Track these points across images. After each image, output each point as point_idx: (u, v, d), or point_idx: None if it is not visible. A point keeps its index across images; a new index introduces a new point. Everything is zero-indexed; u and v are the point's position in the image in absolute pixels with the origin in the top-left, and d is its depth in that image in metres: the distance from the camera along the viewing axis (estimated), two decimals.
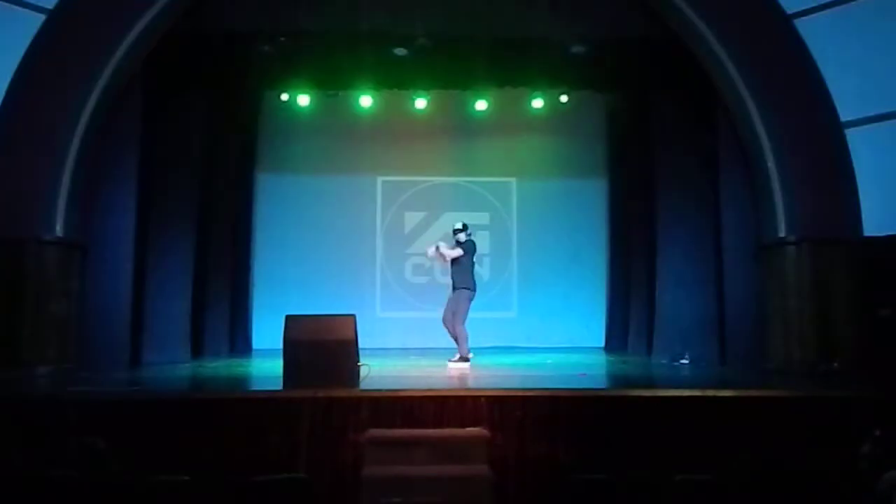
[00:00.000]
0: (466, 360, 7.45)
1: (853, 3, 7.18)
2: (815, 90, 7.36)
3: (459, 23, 7.92)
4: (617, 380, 7.31)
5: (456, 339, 7.57)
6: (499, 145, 10.79)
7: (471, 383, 6.47)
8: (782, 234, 7.41)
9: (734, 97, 7.57)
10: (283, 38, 8.06)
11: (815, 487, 3.28)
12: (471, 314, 7.73)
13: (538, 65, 8.71)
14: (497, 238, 10.85)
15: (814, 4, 7.35)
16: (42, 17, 7.13)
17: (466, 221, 8.07)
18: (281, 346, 5.80)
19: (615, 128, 10.62)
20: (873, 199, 7.24)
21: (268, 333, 8.71)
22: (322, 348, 5.69)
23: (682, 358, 8.29)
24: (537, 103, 10.11)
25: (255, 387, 6.74)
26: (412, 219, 10.75)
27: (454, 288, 7.61)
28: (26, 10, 7.08)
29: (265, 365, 7.62)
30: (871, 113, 7.22)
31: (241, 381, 7.07)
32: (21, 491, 3.53)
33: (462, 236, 7.74)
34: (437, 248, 7.72)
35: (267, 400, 5.43)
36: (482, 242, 10.75)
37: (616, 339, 10.28)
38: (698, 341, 8.36)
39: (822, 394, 5.70)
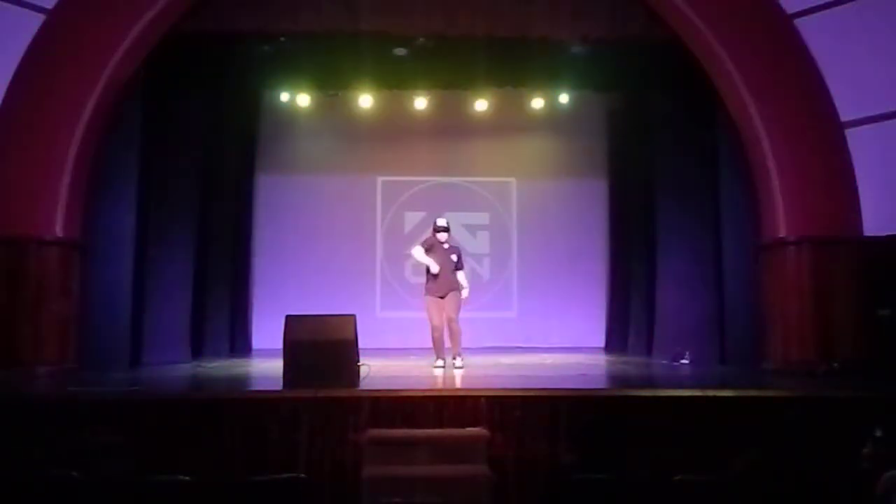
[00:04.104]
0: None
1: (853, 3, 7.17)
2: (815, 90, 7.36)
3: (459, 23, 7.93)
4: (617, 380, 7.31)
5: (455, 336, 7.50)
6: (499, 145, 10.79)
7: (471, 383, 6.47)
8: (782, 234, 7.40)
9: (734, 97, 7.56)
10: (283, 38, 8.06)
11: (815, 487, 3.28)
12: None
13: (538, 65, 8.71)
14: (497, 238, 10.85)
15: (814, 4, 7.34)
16: (42, 17, 7.12)
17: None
18: (281, 346, 5.80)
19: (615, 128, 10.62)
20: (873, 199, 7.24)
21: (268, 333, 8.71)
22: (322, 348, 5.69)
23: (683, 358, 8.29)
24: (537, 103, 10.12)
25: (255, 387, 6.73)
26: (412, 219, 10.74)
27: (453, 288, 7.55)
28: (26, 10, 7.08)
29: (265, 365, 7.62)
30: (871, 113, 7.22)
31: (241, 381, 7.06)
32: (21, 491, 3.53)
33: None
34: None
35: (267, 400, 5.42)
36: (482, 242, 10.80)
37: (616, 339, 10.27)
38: (698, 341, 8.36)
39: (822, 394, 5.69)
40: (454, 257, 7.59)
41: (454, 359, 7.50)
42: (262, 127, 10.58)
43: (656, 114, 9.24)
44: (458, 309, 7.51)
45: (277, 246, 10.49)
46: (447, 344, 7.56)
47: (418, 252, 7.58)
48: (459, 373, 7.21)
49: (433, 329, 7.49)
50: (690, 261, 8.71)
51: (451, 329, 7.49)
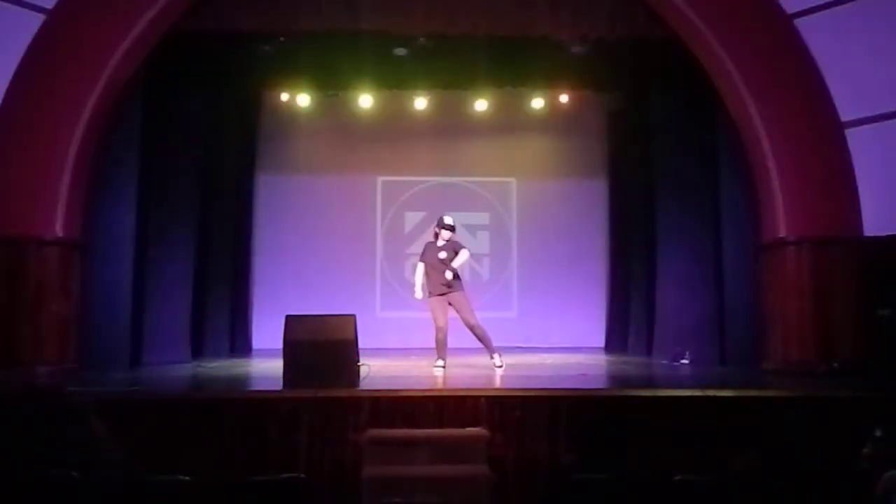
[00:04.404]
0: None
1: (853, 3, 7.17)
2: (815, 90, 7.36)
3: (459, 23, 7.92)
4: (617, 380, 7.31)
5: (483, 339, 7.44)
6: (499, 145, 10.79)
7: (471, 383, 6.47)
8: (782, 234, 7.40)
9: (734, 97, 7.56)
10: (283, 38, 8.06)
11: (815, 487, 3.28)
12: None
13: (538, 65, 8.71)
14: (497, 238, 10.86)
15: (814, 4, 7.34)
16: (42, 18, 7.12)
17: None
18: (281, 346, 5.80)
19: (615, 128, 10.62)
20: (873, 199, 7.24)
21: (268, 333, 8.71)
22: (322, 348, 5.69)
23: (683, 358, 8.29)
24: (537, 103, 10.12)
25: (255, 387, 6.74)
26: (412, 219, 10.74)
27: (452, 289, 7.48)
28: (26, 10, 7.08)
29: (265, 365, 7.62)
30: (871, 113, 7.22)
31: (241, 381, 7.07)
32: (21, 491, 3.53)
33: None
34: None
35: (267, 400, 5.43)
36: (482, 242, 10.80)
37: (616, 339, 10.27)
38: (698, 341, 8.36)
39: (822, 394, 5.70)
40: (442, 254, 7.42)
41: (491, 358, 7.42)
42: (262, 127, 10.57)
43: (656, 114, 9.24)
44: (471, 313, 7.40)
45: (277, 246, 10.49)
46: (482, 346, 7.48)
47: (418, 270, 7.55)
48: (500, 372, 7.16)
49: (437, 330, 7.42)
50: (690, 261, 8.71)
51: (476, 335, 7.43)
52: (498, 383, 6.54)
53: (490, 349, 7.47)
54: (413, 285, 7.67)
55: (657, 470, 3.84)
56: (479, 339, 7.46)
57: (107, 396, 5.48)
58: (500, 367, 7.34)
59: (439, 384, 6.43)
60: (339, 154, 10.63)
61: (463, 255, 7.50)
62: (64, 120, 7.12)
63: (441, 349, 7.44)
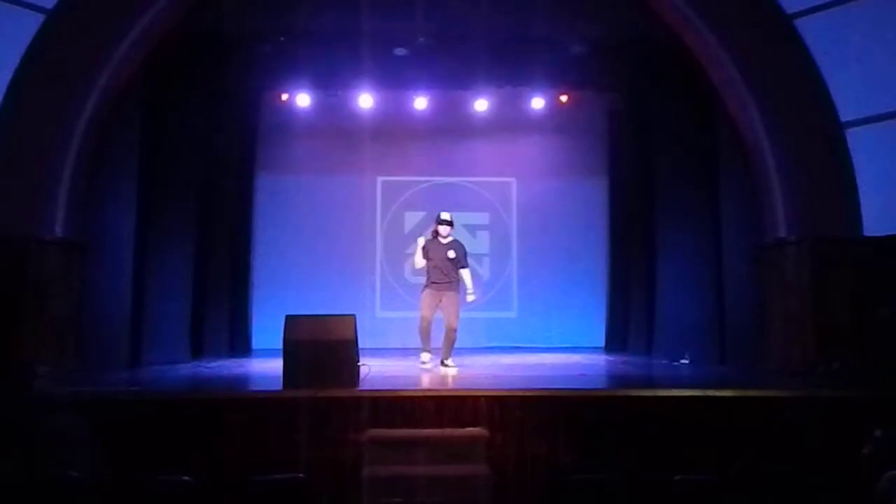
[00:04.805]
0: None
1: (853, 3, 7.17)
2: (815, 90, 7.36)
3: (459, 23, 7.93)
4: (617, 380, 7.32)
5: (450, 343, 7.43)
6: (499, 145, 10.78)
7: (471, 383, 6.47)
8: (782, 234, 7.40)
9: (734, 97, 7.56)
10: (283, 38, 8.07)
11: (816, 487, 3.28)
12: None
13: (538, 65, 8.73)
14: (497, 238, 10.85)
15: (814, 4, 7.34)
16: (41, 18, 7.12)
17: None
18: (281, 346, 5.80)
19: (615, 128, 10.62)
20: (873, 199, 7.24)
21: (268, 333, 8.70)
22: (322, 348, 5.70)
23: (682, 358, 8.29)
24: (537, 103, 10.12)
25: (255, 387, 6.74)
26: (412, 219, 10.73)
27: (452, 288, 7.48)
28: (26, 10, 7.08)
29: (265, 365, 7.61)
30: (871, 113, 7.21)
31: (241, 381, 7.07)
32: (21, 491, 3.53)
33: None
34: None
35: (267, 400, 5.43)
36: (482, 242, 10.79)
37: (616, 339, 10.26)
38: (698, 341, 8.37)
39: (822, 394, 5.70)
40: (451, 253, 7.48)
41: (443, 359, 7.39)
42: (262, 127, 10.56)
43: (656, 114, 9.24)
44: (457, 316, 7.41)
45: (277, 246, 10.48)
46: (437, 344, 7.46)
47: (418, 255, 7.57)
48: (452, 371, 7.18)
49: (421, 319, 7.42)
50: (690, 261, 8.72)
51: (448, 338, 7.42)
52: (498, 383, 6.53)
53: (448, 354, 7.43)
54: (413, 275, 7.64)
55: (657, 470, 3.85)
56: (448, 340, 7.43)
57: (107, 396, 5.49)
58: (452, 367, 7.31)
59: (439, 384, 6.43)
60: (339, 154, 10.61)
61: (468, 276, 7.54)
62: (64, 120, 7.12)
63: (425, 340, 7.42)
